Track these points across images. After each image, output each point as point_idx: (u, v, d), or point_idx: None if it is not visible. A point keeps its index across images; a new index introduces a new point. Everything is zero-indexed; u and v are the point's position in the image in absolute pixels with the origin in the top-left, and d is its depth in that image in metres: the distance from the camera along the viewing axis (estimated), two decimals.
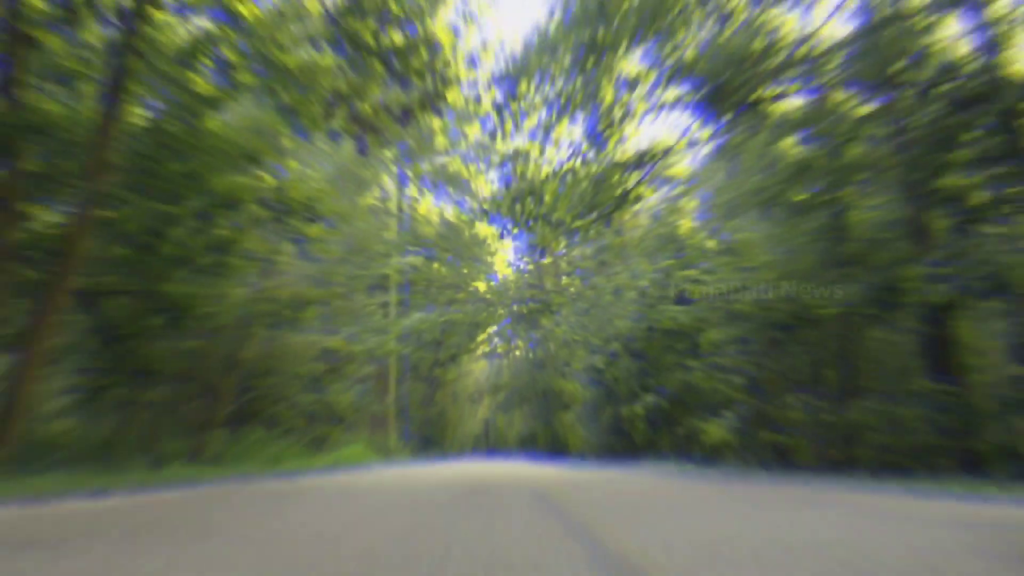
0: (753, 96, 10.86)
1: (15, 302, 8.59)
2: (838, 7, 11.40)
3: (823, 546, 2.81)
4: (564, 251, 32.93)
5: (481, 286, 43.72)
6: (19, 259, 8.27)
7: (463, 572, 2.34)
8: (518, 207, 13.29)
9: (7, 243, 7.24)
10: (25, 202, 8.30)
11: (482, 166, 30.44)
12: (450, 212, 42.55)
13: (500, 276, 44.75)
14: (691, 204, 19.54)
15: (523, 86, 12.01)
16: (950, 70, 8.17)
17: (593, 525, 3.73)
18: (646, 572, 2.30)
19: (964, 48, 9.06)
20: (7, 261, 7.39)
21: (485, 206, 15.77)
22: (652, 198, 17.78)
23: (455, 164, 38.35)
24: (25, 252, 8.43)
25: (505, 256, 44.57)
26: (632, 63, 12.53)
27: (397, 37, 10.40)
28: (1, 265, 7.18)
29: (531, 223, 13.45)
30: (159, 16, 9.05)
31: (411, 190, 39.62)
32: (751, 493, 6.38)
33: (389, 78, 10.45)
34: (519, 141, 12.88)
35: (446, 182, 40.97)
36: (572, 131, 12.57)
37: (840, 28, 11.40)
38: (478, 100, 11.93)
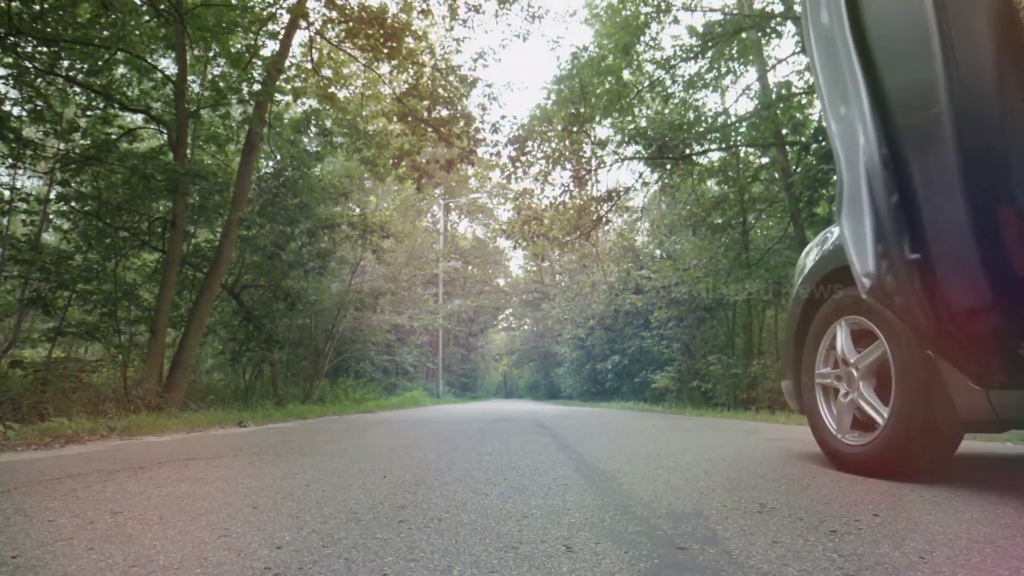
0: (686, 152, 10.80)
1: (184, 293, 8.65)
2: (742, 93, 11.35)
3: (714, 452, 2.78)
4: (557, 258, 32.85)
5: (500, 282, 43.77)
6: (186, 264, 8.33)
7: (488, 474, 2.33)
8: (526, 228, 13.29)
9: (178, 253, 7.28)
10: (190, 225, 8.36)
11: (501, 200, 30.46)
12: (479, 232, 42.60)
13: (513, 275, 44.81)
14: (643, 225, 19.49)
15: (528, 145, 12.00)
16: (820, 132, 8.12)
17: (576, 443, 3.71)
18: (614, 475, 2.29)
19: None
20: (178, 265, 7.43)
21: (503, 227, 15.76)
22: (617, 221, 17.71)
23: (482, 199, 38.39)
24: (190, 259, 8.47)
25: (517, 262, 44.62)
26: (603, 129, 12.53)
27: (443, 112, 10.39)
28: (174, 268, 7.21)
29: (535, 239, 13.44)
30: (279, 98, 9.07)
31: (452, 216, 39.66)
32: (684, 423, 6.36)
33: (437, 140, 10.44)
34: (526, 183, 12.89)
35: (476, 211, 41.01)
36: (563, 175, 12.57)
37: (745, 104, 11.33)
38: (498, 155, 11.92)
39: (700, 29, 10.34)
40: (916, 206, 1.18)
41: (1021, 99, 1.13)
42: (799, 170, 9.15)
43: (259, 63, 8.06)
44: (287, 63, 8.71)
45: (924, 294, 1.24)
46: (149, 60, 7.76)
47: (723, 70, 11.36)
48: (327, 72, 9.99)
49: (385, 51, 9.06)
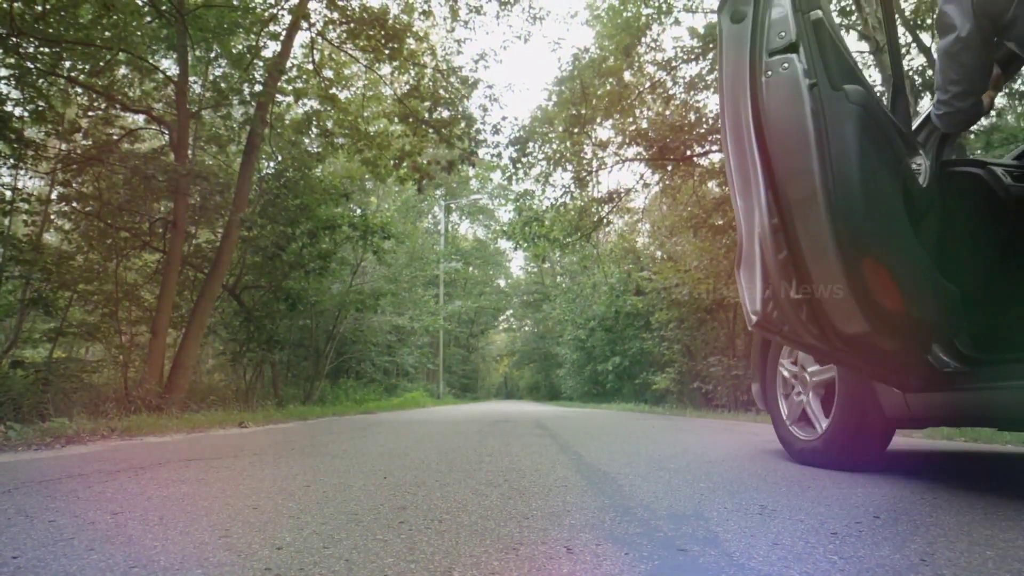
0: (687, 153, 10.80)
1: (185, 294, 8.66)
2: None
3: (714, 453, 2.78)
4: (558, 259, 32.86)
5: (501, 283, 43.78)
6: (187, 265, 8.34)
7: (489, 475, 2.33)
8: (527, 229, 13.27)
9: (179, 254, 7.29)
10: (190, 225, 8.37)
11: (502, 201, 30.48)
12: (480, 233, 42.62)
13: (514, 277, 44.81)
14: (644, 227, 19.47)
15: (529, 146, 12.00)
16: None
17: (576, 445, 3.71)
18: (615, 477, 2.29)
19: None
20: (179, 265, 7.44)
21: (503, 228, 15.74)
22: (618, 222, 17.72)
23: (483, 200, 38.41)
24: (191, 260, 8.48)
25: (518, 263, 44.63)
26: (604, 130, 12.53)
27: (444, 113, 10.40)
28: (175, 268, 7.22)
29: (536, 240, 13.43)
30: (280, 99, 9.09)
31: (453, 217, 39.69)
32: (684, 424, 6.36)
33: (438, 141, 10.45)
34: (527, 184, 12.87)
35: (477, 212, 41.04)
36: (563, 176, 12.56)
37: None
38: (499, 156, 11.92)
39: (701, 30, 10.34)
40: (800, 260, 1.59)
41: (875, 181, 1.58)
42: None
43: (260, 64, 8.08)
44: (288, 64, 8.73)
45: (811, 323, 1.64)
46: (151, 61, 7.77)
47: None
48: (328, 73, 10.01)
49: (386, 52, 9.07)
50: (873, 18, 6.90)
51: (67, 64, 6.87)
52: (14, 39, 5.79)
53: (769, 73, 1.60)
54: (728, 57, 1.71)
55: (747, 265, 1.70)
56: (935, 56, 1.68)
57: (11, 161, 6.30)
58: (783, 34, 1.60)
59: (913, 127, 2.22)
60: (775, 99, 1.59)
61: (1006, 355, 1.86)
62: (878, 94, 1.78)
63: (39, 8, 5.96)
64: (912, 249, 1.68)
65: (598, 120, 11.95)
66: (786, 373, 2.90)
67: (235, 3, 7.60)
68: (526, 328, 42.36)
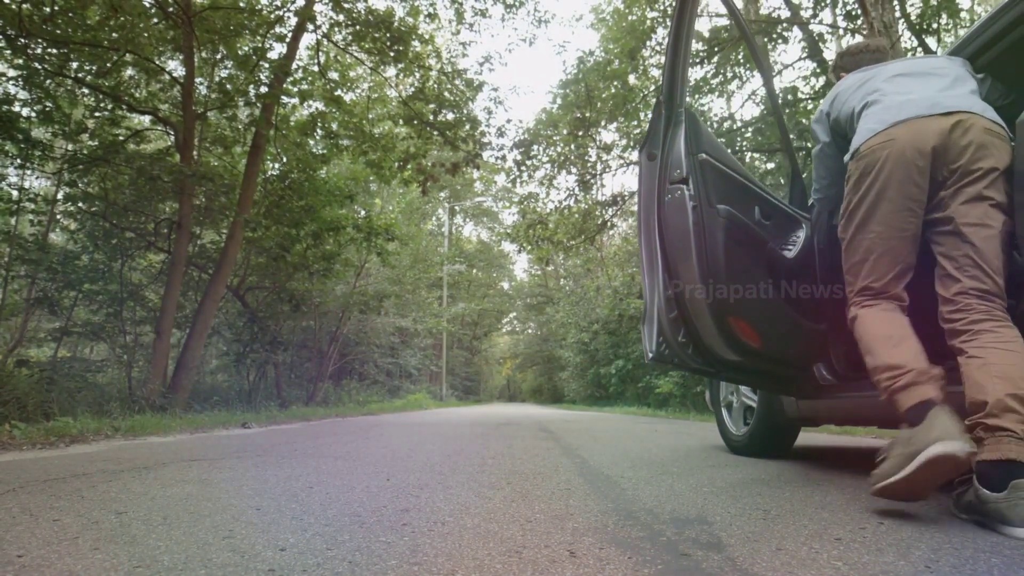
0: None
1: (189, 294, 8.68)
2: (748, 98, 11.32)
3: (717, 457, 2.77)
4: (562, 262, 32.85)
5: (504, 286, 43.78)
6: (191, 265, 8.36)
7: (492, 478, 2.33)
8: (531, 232, 13.28)
9: (184, 254, 7.31)
10: (195, 226, 8.39)
11: (506, 203, 30.50)
12: (483, 235, 42.65)
13: (517, 279, 44.80)
14: None
15: (534, 149, 12.01)
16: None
17: (579, 448, 3.71)
18: (618, 480, 2.28)
19: None
20: (184, 266, 7.46)
21: (507, 231, 15.76)
22: (622, 225, 17.72)
23: (487, 202, 38.45)
24: (195, 260, 8.51)
25: (521, 265, 44.64)
26: (608, 133, 12.55)
27: (448, 116, 10.42)
28: (180, 269, 7.24)
29: (540, 243, 13.43)
30: (286, 101, 9.11)
31: (457, 219, 39.74)
32: (687, 428, 6.34)
33: (443, 143, 10.47)
34: (531, 187, 12.88)
35: (481, 214, 41.07)
36: (568, 179, 12.61)
37: (751, 110, 11.33)
38: (503, 159, 11.93)
39: (706, 34, 10.34)
40: (687, 316, 2.24)
41: (737, 265, 2.21)
42: (805, 176, 9.10)
43: (266, 66, 8.10)
44: (294, 66, 8.76)
45: (695, 355, 2.31)
46: (157, 62, 7.81)
47: (729, 75, 11.34)
48: (334, 75, 10.04)
49: (392, 54, 9.09)
50: (878, 22, 6.88)
51: (74, 65, 6.91)
52: (22, 40, 5.83)
53: (668, 196, 2.26)
54: (644, 182, 2.38)
55: (648, 321, 2.33)
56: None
57: (18, 161, 6.33)
58: (678, 171, 2.25)
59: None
60: (671, 213, 2.24)
61: (860, 373, 2.43)
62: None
63: (47, 9, 6.00)
64: (769, 305, 2.34)
65: (602, 123, 11.96)
66: (723, 394, 3.73)
67: (241, 5, 7.63)
68: (529, 331, 42.36)
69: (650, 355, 2.34)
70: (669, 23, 10.68)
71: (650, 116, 2.51)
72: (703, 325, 2.22)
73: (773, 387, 2.76)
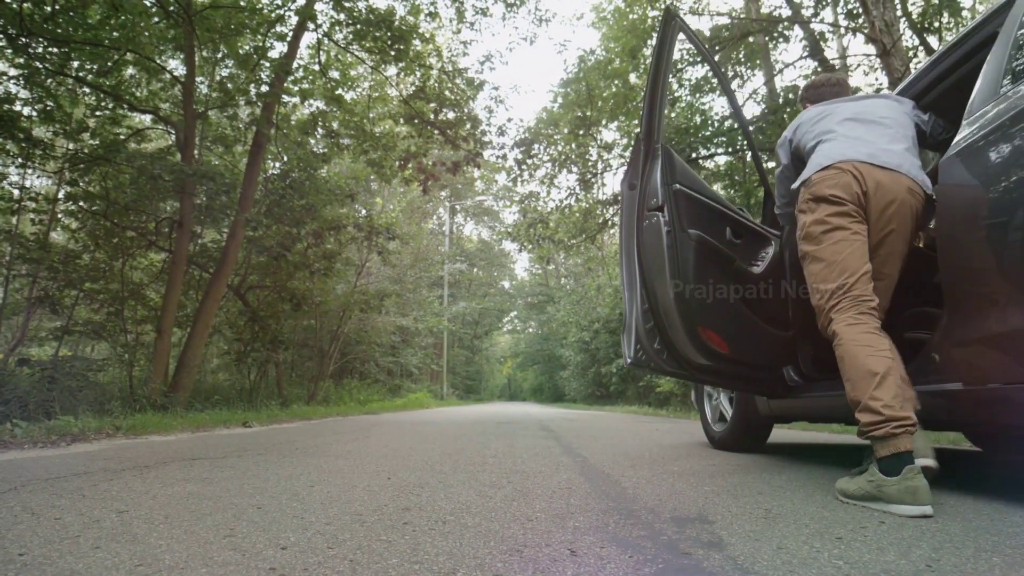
0: (692, 155, 10.78)
1: (190, 293, 8.68)
2: (748, 97, 11.31)
3: (718, 456, 2.78)
4: (563, 261, 32.84)
5: (505, 285, 43.77)
6: (192, 264, 8.36)
7: (493, 476, 2.33)
8: (531, 231, 13.28)
9: (185, 253, 7.31)
10: (196, 225, 8.39)
11: (507, 202, 30.49)
12: (484, 234, 42.64)
13: (518, 278, 44.79)
14: None
15: (534, 148, 12.00)
16: None
17: (580, 447, 3.71)
18: (619, 479, 2.29)
19: None
20: (185, 265, 7.46)
21: (508, 230, 15.76)
22: None
23: (487, 201, 38.44)
24: (196, 259, 8.51)
25: (522, 264, 44.62)
26: (609, 132, 12.54)
27: (449, 115, 10.41)
28: (180, 268, 7.24)
29: (540, 242, 13.43)
30: (286, 100, 9.11)
31: (458, 218, 39.72)
32: (688, 427, 6.34)
33: (443, 142, 10.46)
34: (532, 186, 12.88)
35: (482, 213, 41.06)
36: (568, 178, 12.64)
37: (752, 108, 11.32)
38: (504, 158, 11.92)
39: (707, 33, 10.33)
40: (662, 326, 2.46)
41: (706, 281, 2.50)
42: None
43: (267, 65, 8.10)
44: (295, 65, 8.75)
45: (670, 360, 2.51)
46: (158, 61, 7.81)
47: (730, 74, 11.34)
48: (334, 74, 10.03)
49: (392, 53, 9.08)
50: (880, 21, 6.87)
51: (75, 64, 6.90)
52: (24, 39, 5.82)
53: (646, 222, 2.52)
54: (625, 210, 2.65)
55: (627, 331, 2.61)
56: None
57: (19, 160, 6.33)
58: (655, 200, 2.50)
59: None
60: (648, 236, 2.50)
61: (824, 374, 2.79)
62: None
63: (48, 9, 6.00)
64: (736, 316, 2.62)
65: (603, 122, 11.95)
66: (709, 387, 4.02)
67: (242, 4, 7.63)
68: (530, 330, 42.35)
69: (628, 360, 2.62)
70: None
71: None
72: (676, 334, 2.45)
73: (744, 388, 3.00)
